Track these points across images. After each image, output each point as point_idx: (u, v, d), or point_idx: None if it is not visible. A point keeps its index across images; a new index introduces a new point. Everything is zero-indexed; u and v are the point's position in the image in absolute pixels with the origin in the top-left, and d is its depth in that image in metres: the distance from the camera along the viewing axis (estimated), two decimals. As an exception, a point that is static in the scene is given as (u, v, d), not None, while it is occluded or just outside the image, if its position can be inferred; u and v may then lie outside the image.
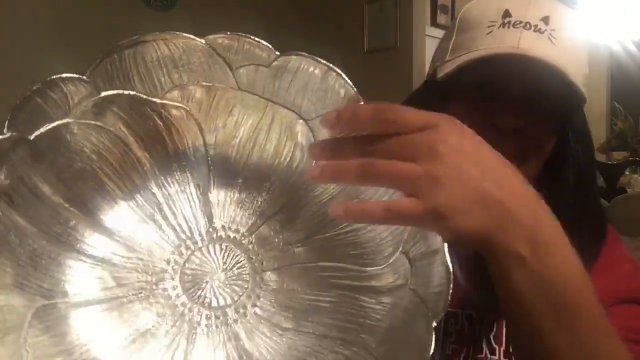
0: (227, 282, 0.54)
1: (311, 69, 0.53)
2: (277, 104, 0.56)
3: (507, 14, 0.72)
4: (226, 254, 0.55)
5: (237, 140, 0.57)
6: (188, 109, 0.54)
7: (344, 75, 0.53)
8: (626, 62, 3.90)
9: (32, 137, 0.47)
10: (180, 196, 0.56)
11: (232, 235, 0.56)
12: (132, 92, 0.51)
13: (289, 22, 3.08)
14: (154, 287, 0.52)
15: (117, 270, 0.52)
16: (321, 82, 0.53)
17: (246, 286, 0.55)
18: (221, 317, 0.53)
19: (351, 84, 0.53)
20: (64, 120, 0.49)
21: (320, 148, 0.47)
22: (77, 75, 0.49)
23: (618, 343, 0.49)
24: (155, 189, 0.55)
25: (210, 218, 0.56)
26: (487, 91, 0.72)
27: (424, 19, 2.97)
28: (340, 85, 0.53)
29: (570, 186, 0.76)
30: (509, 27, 0.71)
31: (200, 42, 0.52)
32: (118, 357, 0.49)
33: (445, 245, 0.49)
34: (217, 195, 0.57)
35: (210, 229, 0.56)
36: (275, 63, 0.53)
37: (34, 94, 0.48)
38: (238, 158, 0.57)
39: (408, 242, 0.53)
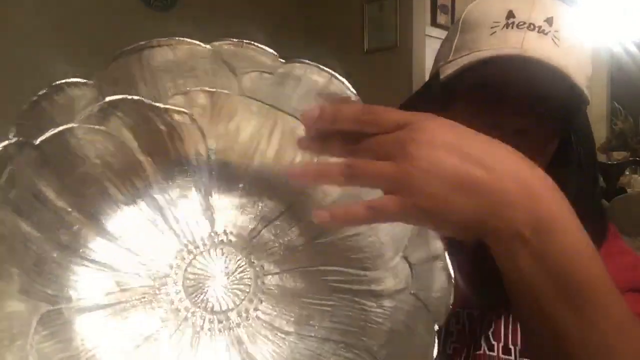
0: (229, 286, 0.55)
1: (315, 76, 0.54)
2: (279, 110, 0.56)
3: (510, 14, 0.72)
4: (228, 259, 0.56)
5: (239, 145, 0.57)
6: (191, 114, 0.54)
7: (346, 83, 0.54)
8: (626, 62, 3.90)
9: (37, 142, 0.47)
10: (182, 201, 0.56)
11: (233, 239, 0.57)
12: (136, 97, 0.51)
13: (288, 22, 3.08)
14: (157, 291, 0.53)
15: (120, 275, 0.52)
16: (324, 89, 0.54)
17: (248, 290, 0.55)
18: (224, 322, 0.53)
19: (354, 91, 0.54)
20: (69, 125, 0.49)
21: (309, 140, 0.48)
22: (83, 80, 0.49)
23: (632, 319, 0.47)
24: (157, 194, 0.55)
25: (212, 223, 0.57)
26: (489, 92, 0.72)
27: (424, 19, 2.97)
28: (342, 92, 0.54)
29: (572, 187, 0.77)
30: (512, 28, 0.71)
31: (206, 48, 0.52)
32: None
33: (446, 251, 0.50)
34: (219, 200, 0.57)
35: (212, 234, 0.56)
36: (279, 70, 0.53)
37: (40, 98, 0.48)
38: (240, 163, 0.57)
39: (408, 247, 0.54)
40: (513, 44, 0.70)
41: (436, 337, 0.47)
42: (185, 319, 0.53)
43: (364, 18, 3.11)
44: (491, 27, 0.73)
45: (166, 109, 0.53)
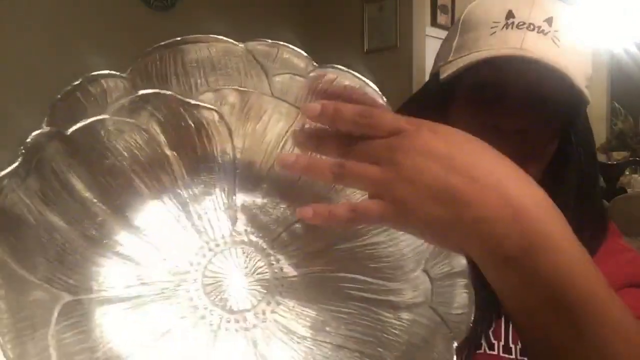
0: (247, 286, 0.55)
1: (347, 82, 0.53)
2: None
3: (510, 14, 0.73)
4: (247, 259, 0.56)
5: (265, 146, 0.57)
6: (221, 112, 0.54)
7: (378, 91, 0.54)
8: (626, 62, 3.92)
9: (68, 132, 0.47)
10: (206, 198, 0.56)
11: (253, 239, 0.57)
12: (168, 92, 0.51)
13: (288, 22, 3.07)
14: (177, 287, 0.53)
15: (141, 268, 0.52)
16: None
17: (265, 291, 0.55)
18: (240, 322, 0.53)
19: (385, 100, 0.54)
20: (100, 117, 0.49)
21: (306, 136, 0.49)
22: (117, 73, 0.49)
23: (634, 325, 0.45)
24: (181, 189, 0.55)
25: (233, 221, 0.57)
26: (489, 92, 0.73)
27: (424, 19, 2.98)
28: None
29: (572, 188, 0.77)
30: (512, 28, 0.72)
31: (240, 47, 0.52)
32: (140, 355, 0.49)
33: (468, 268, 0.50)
34: (242, 199, 0.57)
35: (233, 232, 0.56)
36: (312, 74, 0.53)
37: (75, 88, 0.47)
38: (264, 163, 0.57)
39: (430, 260, 0.54)
40: (513, 44, 0.70)
41: (455, 356, 0.48)
42: (203, 317, 0.53)
43: (364, 18, 3.11)
44: (491, 27, 0.73)
45: (196, 105, 0.53)
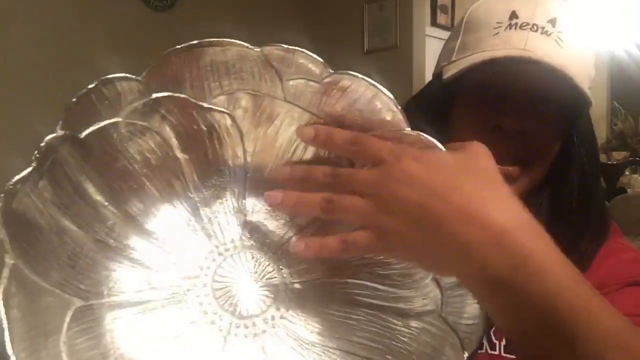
0: (256, 292, 0.54)
1: (361, 89, 0.53)
2: (320, 118, 0.56)
3: (514, 15, 0.73)
4: (257, 263, 0.55)
5: (276, 150, 0.56)
6: (233, 115, 0.54)
7: (392, 98, 0.54)
8: (626, 62, 3.92)
9: (82, 136, 0.46)
10: (216, 202, 0.56)
11: (263, 244, 0.56)
12: (182, 95, 0.51)
13: (288, 22, 3.06)
14: (186, 292, 0.52)
15: (151, 273, 0.52)
16: (368, 104, 0.54)
17: (275, 297, 0.55)
18: (250, 327, 0.53)
19: (400, 108, 0.54)
20: (114, 120, 0.48)
21: (290, 171, 0.51)
22: (132, 76, 0.49)
23: (630, 332, 0.45)
24: (192, 193, 0.54)
25: (243, 225, 0.56)
26: (492, 93, 0.73)
27: (424, 19, 2.98)
28: (388, 109, 0.53)
29: (574, 188, 0.78)
30: (515, 29, 0.72)
31: (256, 51, 0.52)
32: None
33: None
34: (252, 202, 0.57)
35: (243, 237, 0.56)
36: (326, 80, 0.53)
37: (89, 91, 0.47)
38: (275, 167, 0.57)
39: (440, 269, 0.54)
40: (516, 44, 0.70)
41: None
42: (212, 322, 0.52)
43: (364, 18, 3.10)
44: (494, 28, 0.73)
45: (209, 109, 0.53)
